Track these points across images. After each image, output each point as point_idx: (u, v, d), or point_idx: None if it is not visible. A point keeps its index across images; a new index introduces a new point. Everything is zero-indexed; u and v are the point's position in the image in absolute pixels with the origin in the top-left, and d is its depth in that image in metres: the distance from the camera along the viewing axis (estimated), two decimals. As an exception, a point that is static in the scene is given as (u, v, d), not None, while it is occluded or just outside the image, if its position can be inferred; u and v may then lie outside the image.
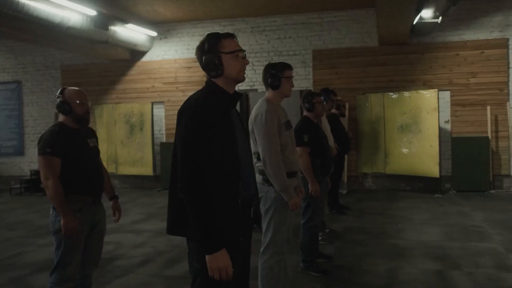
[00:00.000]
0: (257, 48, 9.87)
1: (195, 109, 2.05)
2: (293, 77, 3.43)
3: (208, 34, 2.18)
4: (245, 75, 2.23)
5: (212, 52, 2.12)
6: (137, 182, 10.52)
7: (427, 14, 7.74)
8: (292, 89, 3.43)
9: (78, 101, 3.05)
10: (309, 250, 4.36)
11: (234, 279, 2.07)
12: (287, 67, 3.37)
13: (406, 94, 8.61)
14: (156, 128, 10.32)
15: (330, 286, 4.07)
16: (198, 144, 2.00)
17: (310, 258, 4.36)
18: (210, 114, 2.05)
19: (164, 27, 10.32)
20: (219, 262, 1.96)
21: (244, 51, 2.20)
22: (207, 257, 1.96)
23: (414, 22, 8.12)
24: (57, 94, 3.08)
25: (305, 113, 4.44)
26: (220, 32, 2.23)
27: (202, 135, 2.01)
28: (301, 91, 7.84)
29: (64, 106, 3.03)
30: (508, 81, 8.77)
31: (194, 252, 2.09)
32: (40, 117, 11.24)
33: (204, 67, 2.15)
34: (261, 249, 3.29)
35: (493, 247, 5.05)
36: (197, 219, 1.97)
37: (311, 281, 4.17)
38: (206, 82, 2.21)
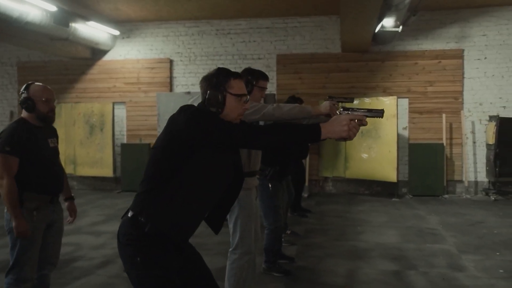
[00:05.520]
0: (221, 50, 9.87)
1: (196, 110, 2.06)
2: (266, 88, 3.45)
3: (219, 69, 2.16)
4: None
5: (218, 89, 2.09)
6: (96, 183, 10.26)
7: (388, 23, 7.97)
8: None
9: (43, 99, 2.97)
10: (272, 251, 4.41)
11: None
12: (263, 77, 3.40)
13: (367, 100, 8.83)
14: (117, 128, 10.11)
15: (292, 286, 4.12)
16: (214, 120, 2.01)
17: (273, 259, 4.41)
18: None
19: (127, 26, 10.15)
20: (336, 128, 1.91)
21: (247, 95, 2.19)
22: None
23: (376, 31, 8.36)
24: (21, 90, 2.98)
25: None
26: (231, 70, 2.20)
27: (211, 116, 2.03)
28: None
29: (28, 103, 2.94)
30: (463, 90, 9.15)
31: (129, 262, 2.12)
32: (-7, 114, 10.80)
33: (206, 101, 2.11)
34: (230, 250, 3.30)
35: (447, 248, 5.26)
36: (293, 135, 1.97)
37: (273, 281, 4.22)
38: (199, 105, 2.17)
